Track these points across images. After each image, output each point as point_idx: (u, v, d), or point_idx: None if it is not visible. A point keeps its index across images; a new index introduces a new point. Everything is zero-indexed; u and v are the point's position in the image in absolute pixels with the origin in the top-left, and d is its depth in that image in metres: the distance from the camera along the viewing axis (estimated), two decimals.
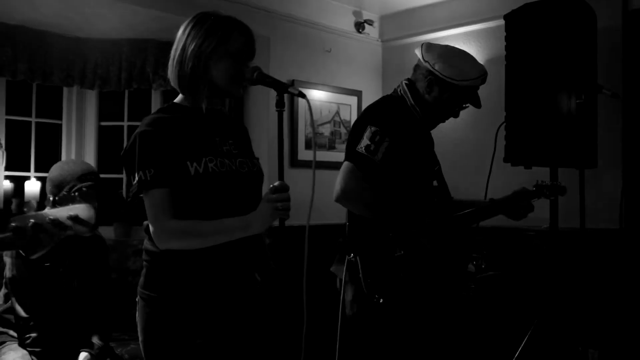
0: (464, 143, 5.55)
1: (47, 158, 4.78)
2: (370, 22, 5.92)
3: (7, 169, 4.51)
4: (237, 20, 2.09)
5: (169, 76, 2.10)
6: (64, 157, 4.92)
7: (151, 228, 1.94)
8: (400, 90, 2.76)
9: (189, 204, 1.95)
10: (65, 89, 4.91)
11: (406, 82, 2.75)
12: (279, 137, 1.89)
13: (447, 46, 2.79)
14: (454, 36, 5.67)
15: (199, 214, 1.93)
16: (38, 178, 4.59)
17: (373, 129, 2.51)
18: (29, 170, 4.73)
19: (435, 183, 2.77)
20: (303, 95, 1.87)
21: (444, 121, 2.82)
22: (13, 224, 1.39)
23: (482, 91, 5.01)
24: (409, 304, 2.56)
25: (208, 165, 1.97)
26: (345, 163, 2.53)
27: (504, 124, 3.23)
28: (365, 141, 2.50)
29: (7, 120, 4.58)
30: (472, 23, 5.47)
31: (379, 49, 6.18)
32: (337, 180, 2.52)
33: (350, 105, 5.65)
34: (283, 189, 1.85)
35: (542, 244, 4.44)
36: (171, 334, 1.96)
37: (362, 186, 2.49)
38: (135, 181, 1.93)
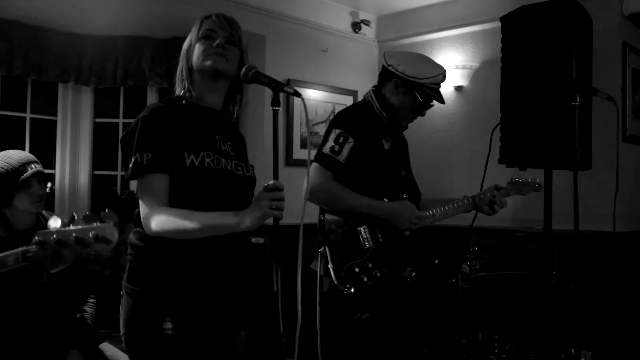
0: (459, 144, 5.57)
1: (42, 154, 4.77)
2: (366, 23, 5.92)
3: None
4: (218, 13, 2.11)
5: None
6: (58, 153, 4.92)
7: (142, 213, 1.92)
8: (367, 97, 2.92)
9: (180, 196, 1.94)
10: (60, 85, 4.90)
11: (373, 88, 2.92)
12: (274, 136, 1.89)
13: (406, 51, 3.00)
14: (450, 38, 5.68)
15: (188, 206, 1.92)
16: None
17: (337, 131, 2.71)
18: None
19: (403, 183, 2.95)
20: (298, 94, 1.86)
21: (412, 121, 2.95)
22: (37, 238, 1.41)
23: (478, 92, 5.03)
24: (379, 293, 2.70)
25: (205, 159, 1.96)
26: (313, 164, 2.71)
27: (499, 125, 3.23)
28: (330, 143, 2.69)
29: (1, 115, 4.58)
30: (469, 25, 5.48)
31: (375, 49, 6.18)
32: (305, 180, 2.59)
33: (345, 105, 5.64)
34: (277, 188, 1.85)
35: (539, 248, 4.45)
36: (152, 328, 1.95)
37: (328, 183, 2.67)
38: (131, 164, 1.92)
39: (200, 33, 2.06)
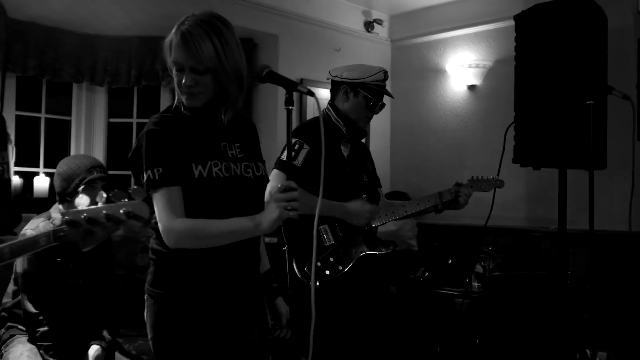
0: (472, 143, 5.55)
1: (56, 154, 4.80)
2: (379, 22, 5.91)
3: (16, 164, 4.52)
4: (181, 25, 2.00)
5: None
6: (72, 153, 4.94)
7: (160, 227, 1.93)
8: (325, 111, 3.16)
9: (193, 207, 1.94)
10: (74, 86, 4.93)
11: (329, 103, 3.15)
12: (288, 135, 1.89)
13: (347, 65, 3.22)
14: (463, 36, 5.66)
15: (203, 216, 1.93)
16: (47, 174, 4.61)
17: (293, 140, 2.91)
18: (38, 166, 4.75)
19: (364, 186, 3.11)
20: (312, 94, 1.87)
21: (368, 121, 3.18)
22: (67, 218, 1.42)
23: (492, 91, 5.00)
24: (339, 285, 2.88)
25: (213, 169, 1.97)
26: (273, 170, 2.89)
27: (513, 124, 3.22)
28: (287, 151, 2.79)
29: (17, 116, 4.60)
30: (482, 23, 5.46)
31: (388, 48, 6.17)
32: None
33: None
34: (290, 188, 1.86)
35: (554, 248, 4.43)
36: (180, 331, 1.97)
37: None
38: (143, 181, 1.92)
39: (171, 60, 2.00)
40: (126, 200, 1.44)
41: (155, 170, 1.91)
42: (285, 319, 2.32)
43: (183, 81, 1.96)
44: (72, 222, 1.43)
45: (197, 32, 1.94)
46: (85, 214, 1.43)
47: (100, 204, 1.45)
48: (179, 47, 1.95)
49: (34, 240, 1.51)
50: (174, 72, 2.00)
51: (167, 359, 2.01)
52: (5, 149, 1.84)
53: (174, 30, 2.00)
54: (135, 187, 1.49)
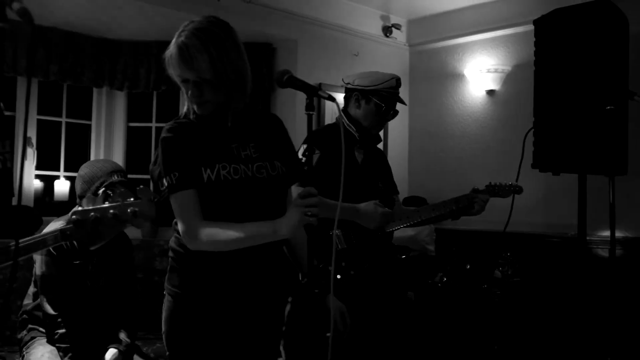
0: (492, 148, 5.53)
1: (77, 158, 4.85)
2: (397, 27, 5.91)
3: (37, 168, 4.58)
4: (178, 37, 2.02)
5: None
6: (92, 157, 4.99)
7: (180, 230, 1.97)
8: (338, 118, 3.18)
9: (207, 210, 1.97)
10: (95, 90, 4.97)
11: (342, 109, 3.16)
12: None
13: (360, 72, 3.23)
14: (482, 41, 5.64)
15: (217, 219, 1.96)
16: (67, 177, 4.66)
17: (305, 146, 2.89)
18: (58, 170, 4.80)
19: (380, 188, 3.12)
20: (332, 99, 1.88)
21: (381, 127, 3.18)
22: (74, 217, 1.46)
23: (511, 96, 5.00)
24: (352, 289, 2.84)
25: (220, 172, 1.98)
26: None
27: (533, 129, 3.21)
28: (298, 156, 2.93)
29: (38, 120, 4.66)
30: (501, 28, 5.44)
31: (406, 53, 6.17)
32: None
33: None
34: (310, 194, 1.87)
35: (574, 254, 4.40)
36: (191, 327, 2.03)
37: (296, 189, 2.80)
38: (164, 187, 1.96)
39: (174, 74, 2.02)
40: (132, 199, 1.47)
41: (172, 175, 1.95)
42: (335, 314, 2.28)
43: (190, 92, 2.00)
44: (79, 222, 1.46)
45: (193, 44, 1.95)
46: (92, 213, 1.47)
47: (107, 204, 1.48)
48: (177, 61, 1.98)
49: (42, 240, 1.56)
50: (179, 83, 2.03)
51: (177, 352, 2.07)
52: (8, 138, 1.87)
53: (173, 41, 2.02)
54: (141, 186, 1.53)
